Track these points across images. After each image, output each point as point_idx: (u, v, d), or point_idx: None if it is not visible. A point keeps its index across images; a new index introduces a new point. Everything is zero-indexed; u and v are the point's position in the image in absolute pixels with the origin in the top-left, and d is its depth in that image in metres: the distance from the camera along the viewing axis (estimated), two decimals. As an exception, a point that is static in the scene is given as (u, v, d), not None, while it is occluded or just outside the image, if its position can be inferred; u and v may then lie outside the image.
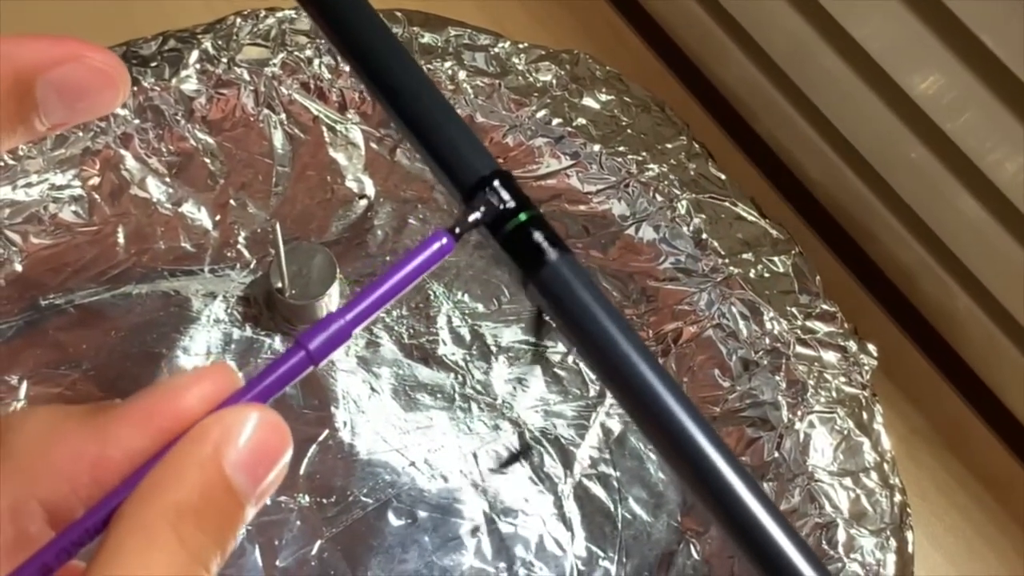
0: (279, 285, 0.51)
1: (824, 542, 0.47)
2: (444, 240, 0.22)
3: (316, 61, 0.54)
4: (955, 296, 0.53)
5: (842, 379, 0.50)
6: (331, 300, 0.52)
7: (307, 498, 0.49)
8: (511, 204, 0.23)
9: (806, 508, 0.47)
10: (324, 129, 0.54)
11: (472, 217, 0.23)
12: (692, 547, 0.50)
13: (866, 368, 0.51)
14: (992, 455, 0.56)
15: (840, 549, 0.46)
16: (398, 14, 0.55)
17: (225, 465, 0.20)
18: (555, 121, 0.54)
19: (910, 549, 0.47)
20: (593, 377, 0.53)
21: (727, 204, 0.54)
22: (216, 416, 0.20)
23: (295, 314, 0.52)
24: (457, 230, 0.23)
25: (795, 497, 0.48)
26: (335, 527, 0.49)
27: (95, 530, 0.20)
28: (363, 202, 0.56)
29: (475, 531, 0.50)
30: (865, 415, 0.50)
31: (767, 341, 0.51)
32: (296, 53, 0.54)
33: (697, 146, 0.55)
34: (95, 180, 0.52)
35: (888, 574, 0.46)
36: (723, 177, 0.55)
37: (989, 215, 0.48)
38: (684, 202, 0.53)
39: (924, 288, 0.56)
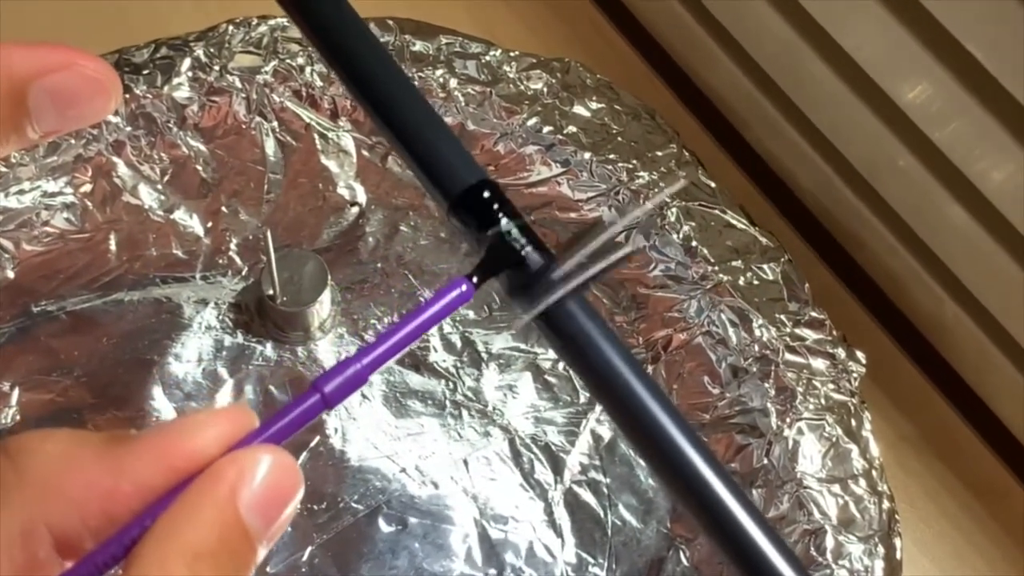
0: (270, 292, 0.51)
1: (813, 548, 0.47)
2: (463, 288, 0.22)
3: (308, 69, 0.54)
4: (943, 303, 0.54)
5: (831, 386, 0.50)
6: (322, 307, 0.52)
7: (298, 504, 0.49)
8: (528, 248, 0.23)
9: (795, 515, 0.48)
10: (316, 136, 0.55)
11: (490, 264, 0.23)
12: (682, 553, 0.50)
13: (855, 375, 0.51)
14: (980, 462, 0.56)
15: (828, 555, 0.46)
16: (390, 22, 0.56)
17: (240, 507, 0.20)
18: (546, 129, 0.54)
19: (898, 556, 0.47)
20: (583, 384, 0.53)
21: (717, 212, 0.54)
22: (231, 457, 0.21)
23: (286, 321, 0.52)
24: (475, 279, 0.23)
25: (784, 504, 0.48)
26: (326, 533, 0.49)
27: (105, 565, 0.20)
28: (354, 209, 0.56)
29: (465, 537, 0.50)
30: (854, 422, 0.50)
31: (756, 348, 0.51)
32: (288, 61, 0.54)
33: (687, 154, 0.55)
34: (87, 187, 0.52)
35: (876, 580, 0.46)
36: (713, 185, 0.55)
37: (977, 223, 0.49)
38: (674, 209, 0.53)
39: (912, 295, 0.56)
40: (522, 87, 0.55)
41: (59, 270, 0.52)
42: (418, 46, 0.55)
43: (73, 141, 0.51)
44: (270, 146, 0.54)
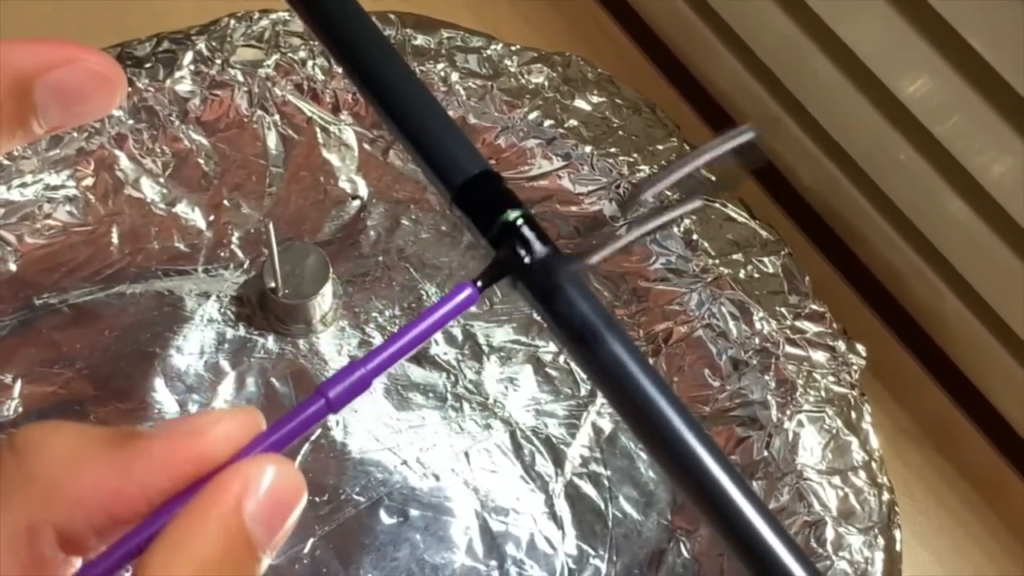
0: (272, 285, 0.51)
1: (813, 540, 0.47)
2: (468, 291, 0.23)
3: (310, 63, 0.54)
4: (943, 297, 0.54)
5: (831, 379, 0.51)
6: (324, 300, 0.52)
7: (300, 497, 0.49)
8: (539, 251, 0.23)
9: (795, 506, 0.48)
10: (317, 130, 0.55)
11: (497, 267, 0.23)
12: (682, 545, 0.50)
13: (855, 368, 0.51)
14: (980, 454, 0.56)
15: (828, 547, 0.47)
16: (391, 16, 0.56)
17: (245, 518, 0.20)
18: (547, 123, 0.55)
19: (898, 547, 0.47)
20: (584, 377, 0.54)
21: (717, 205, 0.54)
22: (235, 468, 0.21)
23: (288, 314, 0.53)
24: (480, 284, 0.23)
25: (784, 496, 0.48)
26: (327, 525, 0.49)
27: (110, 571, 0.20)
28: (356, 203, 0.56)
29: (466, 529, 0.50)
30: (853, 414, 0.50)
31: (757, 341, 0.51)
32: (290, 54, 0.54)
33: (688, 148, 0.56)
34: (89, 180, 0.52)
35: (876, 572, 0.47)
36: (713, 179, 0.55)
37: (977, 217, 0.49)
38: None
39: (912, 289, 0.57)
40: (523, 81, 0.55)
41: (61, 263, 0.52)
42: (419, 40, 0.55)
43: (75, 134, 0.51)
44: (272, 140, 0.55)
